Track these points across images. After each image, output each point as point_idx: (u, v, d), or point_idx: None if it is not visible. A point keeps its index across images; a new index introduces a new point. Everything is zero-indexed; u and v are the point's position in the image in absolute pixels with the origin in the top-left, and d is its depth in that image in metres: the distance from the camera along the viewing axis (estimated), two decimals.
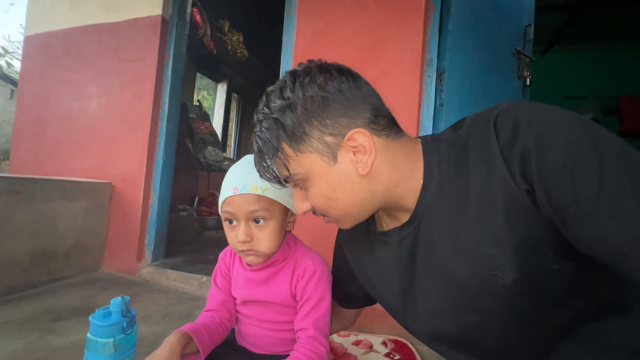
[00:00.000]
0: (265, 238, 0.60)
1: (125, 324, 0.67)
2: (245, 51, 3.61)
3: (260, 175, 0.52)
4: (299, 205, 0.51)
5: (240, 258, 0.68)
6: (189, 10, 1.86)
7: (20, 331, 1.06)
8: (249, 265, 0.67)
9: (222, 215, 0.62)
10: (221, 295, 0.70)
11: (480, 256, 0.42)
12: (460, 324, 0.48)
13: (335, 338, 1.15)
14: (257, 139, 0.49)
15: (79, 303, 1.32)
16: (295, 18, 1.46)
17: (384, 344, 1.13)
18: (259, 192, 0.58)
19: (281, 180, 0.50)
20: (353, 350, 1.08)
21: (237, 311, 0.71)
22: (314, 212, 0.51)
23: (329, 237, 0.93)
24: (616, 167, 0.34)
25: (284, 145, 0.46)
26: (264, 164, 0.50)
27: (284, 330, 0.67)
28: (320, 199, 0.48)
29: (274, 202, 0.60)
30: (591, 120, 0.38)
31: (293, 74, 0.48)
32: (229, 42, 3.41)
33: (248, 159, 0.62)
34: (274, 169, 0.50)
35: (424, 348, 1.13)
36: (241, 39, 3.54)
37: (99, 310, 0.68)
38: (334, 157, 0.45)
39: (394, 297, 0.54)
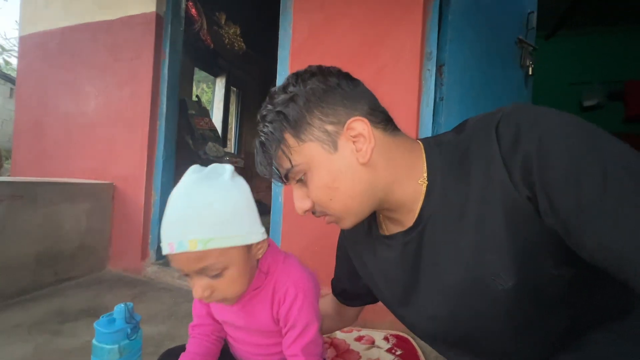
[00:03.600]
0: (227, 287, 0.51)
1: (129, 330, 0.68)
2: (242, 44, 3.56)
3: (262, 173, 0.51)
4: (299, 203, 0.51)
5: None
6: (183, 5, 1.82)
7: (29, 334, 1.09)
8: None
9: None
10: (205, 308, 0.66)
11: (480, 261, 0.43)
12: (460, 328, 0.48)
13: (338, 334, 1.16)
14: (261, 135, 0.49)
15: (86, 304, 1.34)
16: (292, 11, 1.43)
17: (386, 339, 1.14)
18: (200, 248, 0.46)
19: (282, 177, 0.50)
20: (355, 346, 1.10)
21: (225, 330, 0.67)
22: (314, 213, 0.51)
23: (327, 238, 0.93)
24: (620, 174, 0.33)
25: (287, 135, 0.47)
26: (266, 160, 0.49)
27: (273, 354, 0.63)
28: (321, 191, 0.48)
29: (225, 251, 0.49)
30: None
31: (295, 74, 0.50)
32: (226, 35, 3.37)
33: (184, 189, 0.50)
34: (275, 166, 0.50)
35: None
36: (238, 32, 3.49)
37: (103, 317, 0.69)
38: (335, 146, 0.46)
39: (396, 297, 0.55)
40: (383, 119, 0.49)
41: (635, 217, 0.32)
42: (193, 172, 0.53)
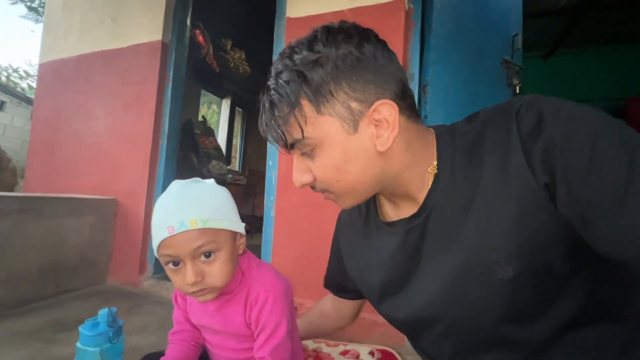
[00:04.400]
0: (217, 272, 0.55)
1: (111, 334, 0.72)
2: (247, 68, 3.74)
3: (264, 133, 0.46)
4: (299, 176, 0.47)
5: None
6: (187, 34, 1.97)
7: (26, 341, 1.13)
8: None
9: (162, 260, 0.55)
10: (184, 314, 0.69)
11: (483, 249, 0.41)
12: (450, 313, 0.46)
13: (324, 348, 1.17)
14: (273, 92, 0.43)
15: (83, 314, 1.36)
16: (284, 39, 1.54)
17: (371, 353, 1.14)
18: (200, 226, 0.52)
19: (287, 144, 0.45)
20: (340, 359, 1.10)
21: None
22: (313, 187, 0.48)
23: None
24: None
25: (305, 102, 0.42)
26: (273, 122, 0.44)
27: (250, 357, 0.64)
28: (329, 170, 0.44)
29: (218, 231, 0.54)
30: None
31: (327, 28, 0.43)
32: (231, 59, 3.55)
33: (175, 189, 0.56)
34: (286, 129, 0.44)
35: (411, 358, 1.14)
36: (243, 56, 3.68)
37: (88, 320, 0.74)
38: (355, 126, 0.42)
39: (391, 284, 0.52)
40: (410, 104, 0.45)
41: None
42: (177, 182, 0.59)
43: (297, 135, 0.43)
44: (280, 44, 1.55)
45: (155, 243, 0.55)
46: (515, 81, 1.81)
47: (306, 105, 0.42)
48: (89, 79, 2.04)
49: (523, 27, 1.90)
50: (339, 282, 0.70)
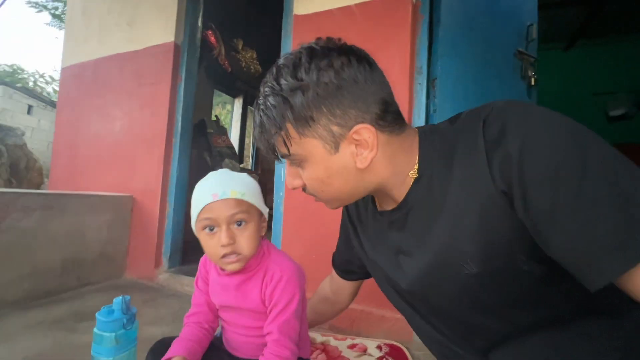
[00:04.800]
0: (246, 240, 0.63)
1: (125, 321, 0.76)
2: (259, 67, 3.78)
3: (259, 147, 0.53)
4: (290, 180, 0.52)
5: (214, 265, 0.72)
6: (199, 35, 2.02)
7: (50, 330, 1.20)
8: (222, 270, 0.70)
9: (200, 224, 0.63)
10: (204, 297, 0.74)
11: (451, 247, 0.44)
12: (430, 302, 0.52)
13: (332, 341, 1.18)
14: (261, 113, 0.47)
15: (102, 306, 1.45)
16: (291, 37, 1.55)
17: (379, 347, 1.14)
18: (239, 197, 0.62)
19: (278, 156, 0.50)
20: (347, 353, 1.11)
21: (219, 316, 0.74)
22: (304, 190, 0.53)
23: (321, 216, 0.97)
24: (597, 177, 0.34)
25: (289, 125, 0.45)
26: (266, 139, 0.49)
27: (261, 336, 0.69)
28: (314, 182, 0.49)
29: (251, 206, 0.64)
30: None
31: (310, 52, 0.45)
32: (242, 59, 3.60)
33: (220, 171, 0.68)
34: (275, 145, 0.49)
35: (419, 353, 1.13)
36: (255, 56, 3.72)
37: (104, 308, 0.77)
38: (336, 147, 0.46)
39: (385, 268, 0.58)
40: (392, 121, 0.47)
41: (603, 220, 0.33)
42: (221, 169, 0.70)
43: (284, 150, 0.48)
44: (288, 41, 1.57)
45: (196, 211, 0.63)
46: (530, 73, 1.76)
47: (290, 128, 0.46)
48: (106, 82, 2.12)
49: (541, 17, 1.83)
50: (347, 259, 0.73)
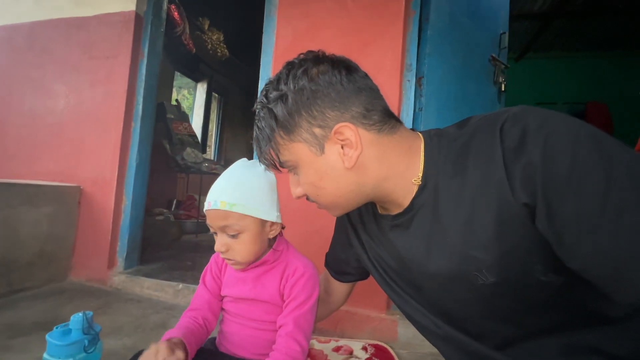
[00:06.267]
0: (239, 249, 0.62)
1: (87, 342, 0.62)
2: (226, 50, 3.53)
3: (259, 160, 0.54)
4: (293, 189, 0.54)
5: None
6: (165, 7, 1.79)
7: None
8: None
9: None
10: (207, 295, 0.70)
11: (465, 256, 0.43)
12: (440, 308, 0.51)
13: (316, 345, 1.13)
14: (255, 127, 0.51)
15: (42, 316, 1.23)
16: (275, 19, 1.44)
17: (364, 349, 1.12)
18: (227, 208, 0.60)
19: (277, 166, 0.52)
20: (333, 356, 1.07)
21: (223, 309, 0.72)
22: (308, 198, 0.54)
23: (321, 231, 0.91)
24: (623, 183, 0.33)
25: (276, 134, 0.48)
26: (261, 150, 0.52)
27: (268, 330, 0.68)
28: (308, 187, 0.50)
29: (243, 217, 0.61)
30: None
31: (289, 65, 0.49)
32: (208, 40, 3.33)
33: (228, 173, 0.65)
34: (270, 155, 0.52)
35: (404, 352, 1.13)
36: (222, 38, 3.47)
37: (57, 327, 0.63)
38: (322, 148, 0.47)
39: (385, 267, 0.57)
40: (378, 120, 0.47)
41: (633, 228, 0.32)
42: (242, 160, 0.68)
43: (277, 159, 0.51)
44: (271, 22, 1.45)
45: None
46: (502, 79, 1.85)
47: (278, 137, 0.49)
48: (47, 51, 1.80)
49: None
50: (341, 259, 0.72)
